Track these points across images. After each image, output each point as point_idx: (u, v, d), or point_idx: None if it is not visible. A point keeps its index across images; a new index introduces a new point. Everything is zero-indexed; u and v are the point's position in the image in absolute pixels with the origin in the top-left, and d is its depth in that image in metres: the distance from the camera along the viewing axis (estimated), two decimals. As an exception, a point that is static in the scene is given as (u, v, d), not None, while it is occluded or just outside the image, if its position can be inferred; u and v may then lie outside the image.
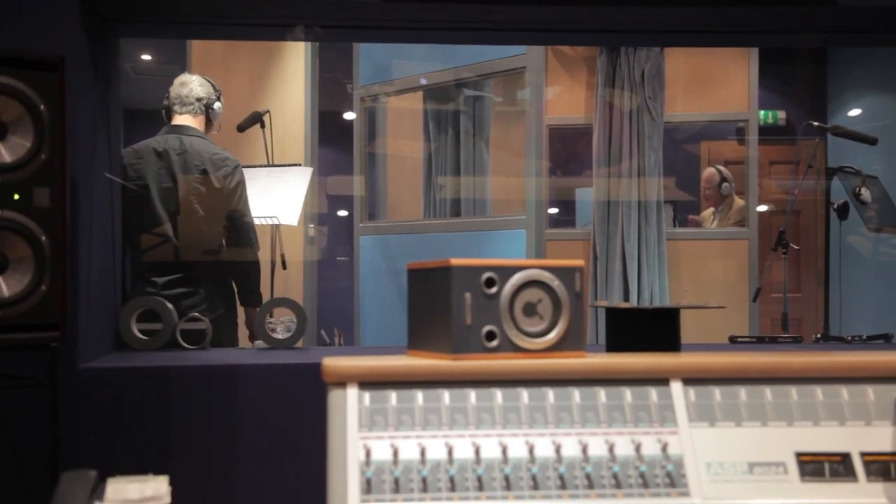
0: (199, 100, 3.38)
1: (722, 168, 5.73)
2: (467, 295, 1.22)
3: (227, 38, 4.59)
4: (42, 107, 1.69)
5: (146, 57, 7.82)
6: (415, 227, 5.35)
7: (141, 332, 2.49)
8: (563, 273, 1.27)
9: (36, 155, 1.68)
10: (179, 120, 3.38)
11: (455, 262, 1.23)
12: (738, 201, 5.55)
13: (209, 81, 3.46)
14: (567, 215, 6.41)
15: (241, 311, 3.44)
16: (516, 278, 1.25)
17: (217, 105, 3.44)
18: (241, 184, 3.35)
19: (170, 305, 2.53)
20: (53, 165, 1.69)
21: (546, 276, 1.26)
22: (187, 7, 2.53)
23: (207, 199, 3.28)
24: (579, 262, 1.28)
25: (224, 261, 3.35)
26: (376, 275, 5.33)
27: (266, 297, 3.51)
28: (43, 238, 1.67)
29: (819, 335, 3.24)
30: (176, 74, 3.52)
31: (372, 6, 2.46)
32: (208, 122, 3.44)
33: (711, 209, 5.72)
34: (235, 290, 3.42)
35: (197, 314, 2.73)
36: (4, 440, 1.84)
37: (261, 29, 2.87)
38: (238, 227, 3.35)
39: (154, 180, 3.24)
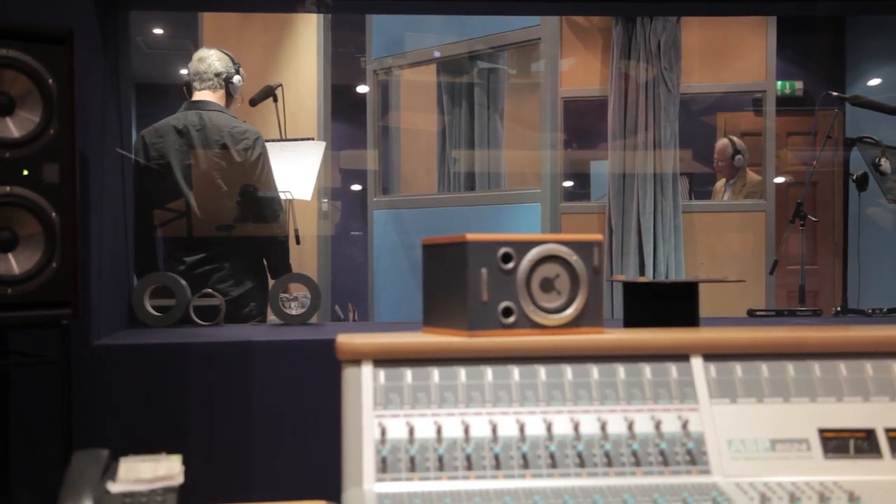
0: (217, 74, 3.39)
1: (735, 139, 5.65)
2: (483, 270, 1.20)
3: (237, 10, 4.55)
4: (50, 81, 1.67)
5: (158, 31, 7.77)
6: (429, 201, 5.31)
7: (154, 308, 2.49)
8: (581, 247, 1.24)
9: (45, 130, 1.66)
10: (199, 95, 3.39)
11: (471, 237, 1.20)
12: (753, 176, 5.47)
13: (227, 55, 3.46)
14: (582, 188, 6.37)
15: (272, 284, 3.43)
16: (533, 253, 1.22)
17: (237, 78, 3.44)
18: (263, 156, 3.33)
19: (183, 282, 2.52)
20: (62, 140, 1.67)
21: (564, 251, 1.23)
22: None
23: (230, 174, 3.27)
24: (597, 237, 1.25)
25: (250, 234, 3.34)
26: (390, 249, 5.31)
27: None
28: (53, 214, 1.65)
29: (838, 308, 3.20)
30: (188, 49, 3.51)
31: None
32: (228, 96, 3.45)
33: (723, 180, 5.64)
34: (265, 263, 3.42)
35: (210, 290, 2.72)
36: (18, 418, 1.83)
37: (272, 1, 2.83)
38: (261, 199, 3.33)
39: (176, 158, 3.25)
